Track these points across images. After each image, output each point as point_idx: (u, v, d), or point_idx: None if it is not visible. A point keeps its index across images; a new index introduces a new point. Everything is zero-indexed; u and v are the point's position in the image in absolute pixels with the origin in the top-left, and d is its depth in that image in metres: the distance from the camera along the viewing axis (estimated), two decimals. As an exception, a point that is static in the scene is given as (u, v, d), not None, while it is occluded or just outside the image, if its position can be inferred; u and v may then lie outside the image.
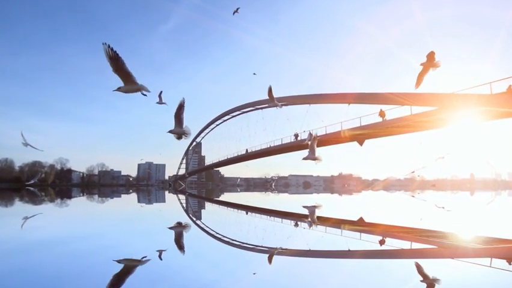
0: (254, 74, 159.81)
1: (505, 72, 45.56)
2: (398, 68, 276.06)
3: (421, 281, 5.12)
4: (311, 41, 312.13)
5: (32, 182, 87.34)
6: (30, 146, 37.11)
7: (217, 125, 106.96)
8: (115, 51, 11.77)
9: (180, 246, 7.84)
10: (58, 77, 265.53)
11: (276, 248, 7.40)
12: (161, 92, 20.18)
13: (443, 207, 16.97)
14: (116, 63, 11.99)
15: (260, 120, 76.44)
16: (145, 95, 13.83)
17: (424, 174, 60.36)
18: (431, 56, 18.29)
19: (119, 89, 13.28)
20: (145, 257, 6.41)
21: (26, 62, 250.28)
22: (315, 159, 20.48)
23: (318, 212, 17.61)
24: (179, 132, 15.55)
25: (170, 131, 15.57)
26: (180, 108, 14.79)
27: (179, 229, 10.82)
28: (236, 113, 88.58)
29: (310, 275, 5.65)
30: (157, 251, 7.06)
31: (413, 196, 27.98)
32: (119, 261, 6.11)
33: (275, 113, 68.82)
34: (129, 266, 5.89)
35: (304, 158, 21.02)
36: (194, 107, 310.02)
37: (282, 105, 23.02)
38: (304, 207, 21.39)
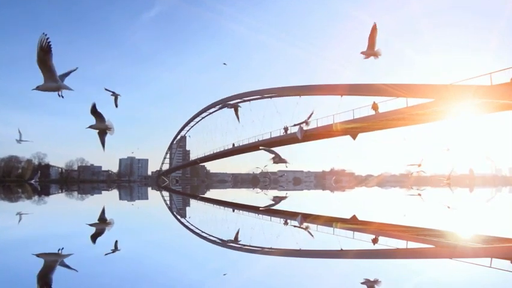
0: (224, 64, 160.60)
1: (505, 63, 45.59)
2: (394, 59, 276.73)
3: (361, 283, 5.11)
4: (302, 30, 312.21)
5: (33, 180, 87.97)
6: (24, 141, 37.53)
7: (203, 117, 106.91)
8: (49, 44, 12.76)
9: (93, 240, 7.89)
10: (35, 68, 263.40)
11: (265, 249, 7.39)
12: (106, 89, 20.84)
13: (448, 207, 16.92)
14: (44, 55, 12.74)
15: (248, 113, 76.30)
16: (62, 96, 14.15)
17: (422, 170, 60.36)
18: (371, 44, 18.64)
19: (37, 88, 13.83)
20: (62, 248, 6.42)
21: (0, 51, 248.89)
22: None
23: (290, 205, 17.65)
24: (101, 127, 15.64)
25: (90, 127, 15.75)
26: (94, 106, 15.01)
27: (101, 226, 10.87)
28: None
29: (300, 276, 5.60)
30: (112, 248, 7.07)
31: (419, 194, 27.85)
32: (38, 255, 6.11)
33: (264, 105, 68.41)
34: (49, 261, 5.89)
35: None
36: (178, 99, 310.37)
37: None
38: (274, 198, 21.45)
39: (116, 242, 7.41)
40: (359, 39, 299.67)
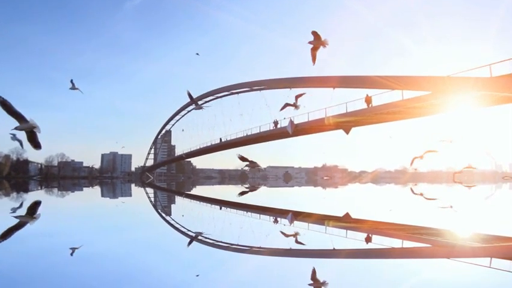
0: (197, 54, 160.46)
1: (506, 53, 45.60)
2: (388, 49, 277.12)
3: (309, 284, 5.06)
4: (292, 20, 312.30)
5: (35, 177, 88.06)
6: (18, 140, 37.39)
7: (189, 111, 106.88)
8: (2, 99, 13.96)
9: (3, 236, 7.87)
10: (12, 59, 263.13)
11: (253, 248, 7.35)
12: (72, 80, 21.04)
13: (450, 207, 16.91)
14: (6, 108, 13.67)
15: (236, 106, 76.27)
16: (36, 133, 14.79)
17: (419, 166, 60.44)
18: (315, 35, 19.03)
19: (16, 128, 14.53)
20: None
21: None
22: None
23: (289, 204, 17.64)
24: (26, 128, 15.68)
25: (16, 128, 15.81)
26: (4, 105, 15.02)
27: (24, 219, 10.87)
28: (209, 98, 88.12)
29: (290, 277, 5.52)
30: (71, 248, 6.99)
31: (421, 194, 27.85)
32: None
33: (252, 98, 68.25)
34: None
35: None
36: (163, 92, 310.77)
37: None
38: (245, 187, 21.43)
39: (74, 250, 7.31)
40: (353, 29, 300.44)
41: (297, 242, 7.22)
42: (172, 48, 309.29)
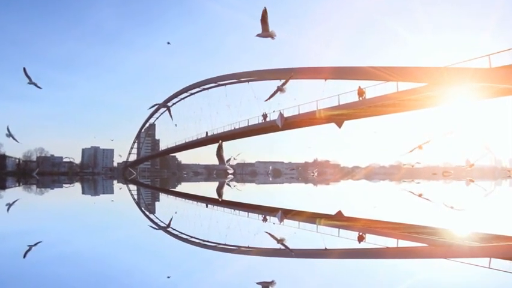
0: (168, 43, 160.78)
1: (506, 43, 45.61)
2: (382, 39, 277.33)
3: (257, 282, 5.06)
4: (282, 8, 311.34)
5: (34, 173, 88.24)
6: (13, 138, 37.89)
7: (174, 103, 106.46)
8: None
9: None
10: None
11: (241, 248, 7.32)
12: (24, 68, 20.68)
13: (451, 207, 16.86)
14: None
15: (223, 98, 76.08)
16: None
17: (415, 162, 60.52)
18: (264, 26, 19.43)
19: None
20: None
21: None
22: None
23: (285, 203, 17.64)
24: None
25: None
26: None
27: None
28: (195, 90, 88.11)
29: (279, 278, 5.48)
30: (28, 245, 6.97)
31: (420, 195, 27.76)
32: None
33: (240, 90, 68.10)
34: None
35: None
36: (147, 83, 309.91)
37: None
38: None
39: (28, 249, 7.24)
40: (345, 18, 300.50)
41: (286, 248, 7.17)
42: (157, 37, 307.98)
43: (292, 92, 65.75)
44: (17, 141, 44.45)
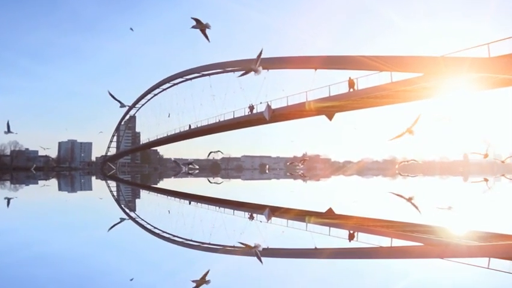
0: (131, 29, 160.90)
1: (505, 32, 45.56)
2: (376, 27, 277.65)
3: (192, 280, 5.08)
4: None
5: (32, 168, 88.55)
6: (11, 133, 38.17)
7: (155, 94, 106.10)
8: None
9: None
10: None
11: (226, 247, 7.29)
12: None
13: (448, 208, 16.73)
14: None
15: (207, 89, 75.78)
16: None
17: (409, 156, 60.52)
18: (196, 21, 20.05)
19: None
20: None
21: None
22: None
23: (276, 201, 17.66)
24: None
25: None
26: None
27: None
28: (178, 80, 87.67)
29: (268, 279, 5.50)
30: None
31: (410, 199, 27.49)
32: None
33: (226, 80, 67.75)
34: None
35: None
36: (127, 73, 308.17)
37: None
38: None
39: None
40: (336, 4, 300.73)
41: (258, 258, 7.06)
42: (137, 24, 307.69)
43: (281, 82, 65.36)
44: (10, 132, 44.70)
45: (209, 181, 39.68)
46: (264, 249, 7.18)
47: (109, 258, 6.58)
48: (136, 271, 5.73)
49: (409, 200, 15.70)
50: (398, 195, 17.66)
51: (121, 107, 35.18)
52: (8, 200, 18.31)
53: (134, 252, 7.13)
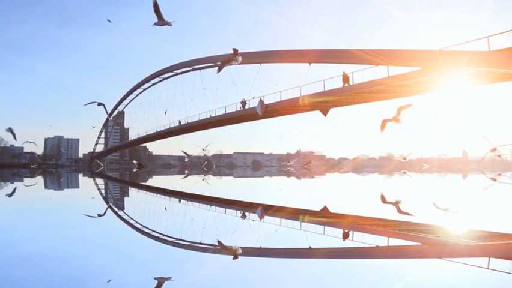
0: (108, 20, 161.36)
1: (506, 25, 45.61)
2: (372, 19, 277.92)
3: (155, 278, 5.10)
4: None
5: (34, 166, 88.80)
6: (12, 132, 38.27)
7: (145, 89, 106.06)
8: None
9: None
10: None
11: (217, 247, 7.28)
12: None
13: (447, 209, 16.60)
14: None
15: (198, 84, 75.77)
16: None
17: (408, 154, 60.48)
18: (158, 16, 20.59)
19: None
20: None
21: None
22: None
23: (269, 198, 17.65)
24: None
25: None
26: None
27: None
28: (168, 74, 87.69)
29: (260, 279, 5.48)
30: None
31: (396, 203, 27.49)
32: None
33: (217, 74, 67.48)
34: None
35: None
36: (115, 67, 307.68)
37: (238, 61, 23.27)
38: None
39: None
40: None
41: (235, 257, 6.96)
42: (125, 17, 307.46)
43: (274, 76, 65.22)
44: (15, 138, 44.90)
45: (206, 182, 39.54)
46: (256, 248, 7.17)
47: (94, 258, 6.52)
48: (122, 271, 5.71)
49: (395, 204, 15.55)
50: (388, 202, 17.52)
51: (98, 105, 35.16)
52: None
53: (121, 252, 7.09)
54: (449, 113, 39.69)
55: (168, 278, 5.13)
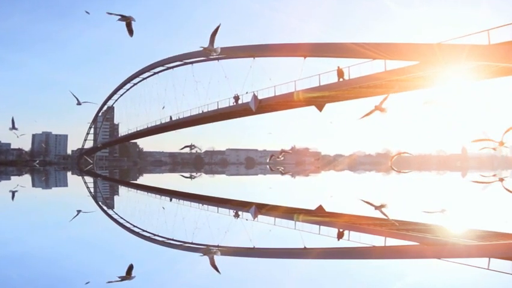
0: (87, 12, 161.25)
1: (506, 18, 45.59)
2: (369, 12, 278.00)
3: (118, 277, 5.10)
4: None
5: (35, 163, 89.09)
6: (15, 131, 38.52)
7: (135, 84, 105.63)
8: None
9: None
10: None
11: (210, 247, 7.26)
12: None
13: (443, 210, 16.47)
14: None
15: (190, 78, 75.47)
16: None
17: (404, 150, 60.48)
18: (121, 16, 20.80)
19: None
20: None
21: None
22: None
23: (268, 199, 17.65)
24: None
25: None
26: None
27: None
28: (159, 68, 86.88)
29: (254, 280, 5.49)
30: None
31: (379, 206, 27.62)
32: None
33: (209, 69, 67.37)
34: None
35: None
36: (105, 61, 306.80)
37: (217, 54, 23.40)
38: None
39: None
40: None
41: (213, 266, 6.79)
42: (116, 10, 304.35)
43: (268, 71, 65.16)
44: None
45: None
46: (249, 248, 7.16)
47: (82, 258, 6.51)
48: (110, 271, 5.66)
49: (379, 207, 15.49)
50: (367, 202, 17.42)
51: (77, 104, 35.28)
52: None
53: (110, 251, 7.10)
54: (441, 103, 39.65)
55: (131, 277, 5.18)
